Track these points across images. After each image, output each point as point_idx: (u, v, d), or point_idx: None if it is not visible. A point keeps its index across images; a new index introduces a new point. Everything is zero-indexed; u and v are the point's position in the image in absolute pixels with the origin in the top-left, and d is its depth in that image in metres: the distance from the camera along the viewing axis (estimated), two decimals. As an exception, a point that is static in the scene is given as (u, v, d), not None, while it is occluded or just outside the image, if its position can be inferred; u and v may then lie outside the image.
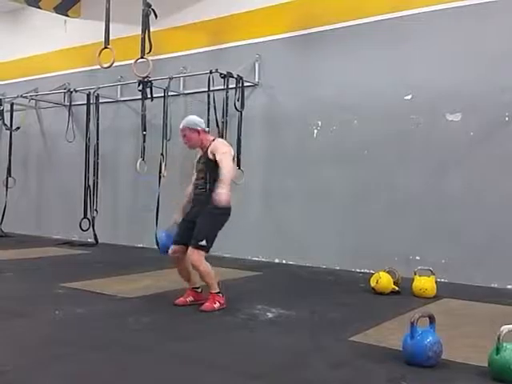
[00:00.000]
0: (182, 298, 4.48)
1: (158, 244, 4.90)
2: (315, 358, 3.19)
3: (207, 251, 4.26)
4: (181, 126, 4.48)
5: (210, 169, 4.32)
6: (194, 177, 4.53)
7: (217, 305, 4.29)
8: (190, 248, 4.22)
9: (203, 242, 4.20)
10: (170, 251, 4.42)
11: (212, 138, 4.50)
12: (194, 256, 4.20)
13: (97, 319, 4.01)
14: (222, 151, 4.28)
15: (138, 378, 2.81)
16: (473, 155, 5.85)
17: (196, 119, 4.48)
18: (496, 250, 5.66)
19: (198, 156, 4.56)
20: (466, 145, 5.89)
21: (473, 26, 5.90)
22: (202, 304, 4.32)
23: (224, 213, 4.28)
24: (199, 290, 4.54)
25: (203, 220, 4.26)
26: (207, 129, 4.51)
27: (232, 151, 4.46)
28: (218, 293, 4.34)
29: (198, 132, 4.42)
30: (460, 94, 5.89)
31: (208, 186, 4.30)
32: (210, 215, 4.24)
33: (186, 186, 4.67)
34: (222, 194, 4.01)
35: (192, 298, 4.48)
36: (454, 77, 5.93)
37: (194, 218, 4.36)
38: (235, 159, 4.81)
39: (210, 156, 4.32)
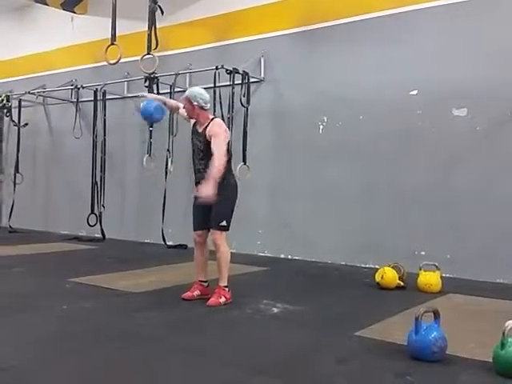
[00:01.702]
0: (189, 293, 4.51)
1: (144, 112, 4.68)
2: (321, 353, 3.21)
3: (228, 229, 4.41)
4: (183, 96, 4.53)
5: (208, 150, 4.33)
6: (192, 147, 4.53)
7: (222, 299, 4.33)
8: (212, 230, 4.36)
9: (223, 223, 4.34)
10: (194, 236, 4.53)
11: (211, 117, 4.51)
12: (216, 235, 4.35)
13: (104, 314, 4.05)
14: (218, 135, 4.31)
15: (146, 372, 2.84)
16: (479, 150, 5.84)
17: (197, 93, 4.45)
18: (502, 245, 5.65)
19: (195, 126, 4.53)
20: (472, 140, 5.88)
21: (479, 20, 5.87)
22: (209, 298, 4.35)
23: (233, 190, 4.45)
24: (206, 284, 4.57)
25: (218, 204, 4.26)
26: (207, 105, 4.46)
27: (228, 134, 4.53)
28: (226, 287, 4.39)
29: (193, 107, 4.42)
30: (466, 89, 5.87)
31: (209, 170, 4.27)
32: (223, 198, 4.26)
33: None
34: (205, 190, 4.08)
35: (199, 292, 4.51)
36: (459, 72, 5.92)
37: (202, 204, 4.32)
38: (231, 143, 4.76)
39: (208, 138, 4.35)
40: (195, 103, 4.40)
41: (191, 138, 4.54)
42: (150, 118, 4.75)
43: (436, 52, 6.08)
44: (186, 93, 4.48)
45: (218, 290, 4.37)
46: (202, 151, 4.40)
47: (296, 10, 7.16)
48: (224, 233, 4.39)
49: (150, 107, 4.56)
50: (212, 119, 4.48)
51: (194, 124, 4.55)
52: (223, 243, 4.37)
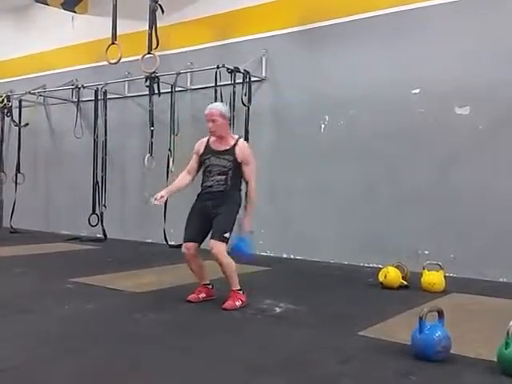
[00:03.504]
0: (194, 295, 4.44)
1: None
2: (324, 353, 3.19)
3: (227, 242, 4.26)
4: (211, 110, 4.31)
5: (234, 169, 4.29)
6: (202, 170, 4.41)
7: (239, 303, 4.22)
8: (213, 241, 4.19)
9: (227, 235, 4.22)
10: (183, 248, 4.35)
11: (237, 137, 4.44)
12: (219, 247, 4.16)
13: (106, 314, 4.04)
14: (251, 162, 4.33)
15: (146, 372, 2.82)
16: (482, 149, 5.81)
17: (227, 108, 4.42)
18: (505, 244, 5.62)
19: (209, 145, 4.39)
20: (475, 138, 5.86)
21: (481, 19, 5.84)
22: (224, 302, 4.23)
23: (238, 205, 4.37)
24: (210, 286, 4.53)
25: (224, 214, 4.24)
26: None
27: None
28: (240, 290, 4.30)
29: (227, 121, 4.36)
30: (469, 88, 5.84)
31: (228, 186, 4.29)
32: (229, 209, 4.25)
33: (182, 174, 4.55)
34: (250, 220, 4.27)
35: (204, 295, 4.46)
36: (462, 70, 5.89)
37: (205, 214, 4.32)
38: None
39: (239, 159, 4.28)
40: (227, 116, 4.37)
41: (203, 159, 4.37)
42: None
43: (438, 50, 6.05)
44: (218, 108, 4.32)
45: (234, 294, 4.26)
46: (226, 168, 4.28)
47: (298, 9, 7.13)
48: (225, 245, 4.21)
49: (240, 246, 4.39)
50: (238, 139, 4.39)
51: (207, 144, 4.40)
52: (225, 256, 4.19)
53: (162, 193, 4.36)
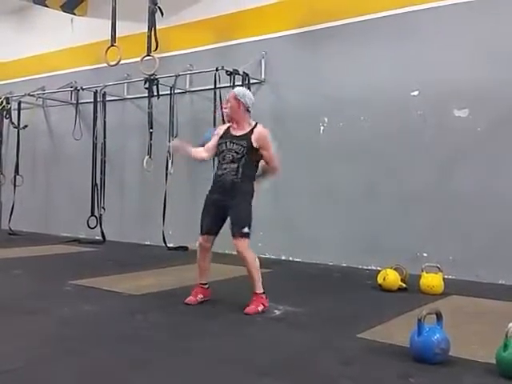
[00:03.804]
0: (191, 297, 4.41)
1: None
2: (323, 355, 3.19)
3: (249, 237, 4.19)
4: (229, 93, 4.41)
5: (248, 156, 4.20)
6: (217, 157, 4.37)
7: (261, 307, 4.14)
8: (235, 241, 4.14)
9: (246, 229, 4.15)
10: (200, 240, 4.34)
11: (254, 123, 4.34)
12: (242, 245, 4.12)
13: (105, 316, 4.04)
14: (269, 147, 4.27)
15: (146, 374, 2.82)
16: (481, 151, 5.82)
17: (246, 92, 4.40)
18: (504, 246, 5.63)
19: (228, 130, 4.35)
20: (474, 141, 5.86)
21: (480, 21, 5.86)
22: (247, 306, 4.15)
23: (252, 196, 4.28)
24: (206, 286, 4.51)
25: (239, 207, 4.18)
26: (251, 108, 4.33)
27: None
28: (263, 293, 4.22)
29: (239, 104, 4.28)
30: (467, 90, 5.85)
31: (239, 176, 4.19)
32: (243, 201, 4.20)
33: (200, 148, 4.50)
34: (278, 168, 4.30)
35: (202, 296, 4.45)
36: (461, 72, 5.90)
37: (218, 205, 4.26)
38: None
39: (255, 144, 4.21)
40: (242, 100, 4.27)
41: (220, 143, 4.31)
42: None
43: (437, 52, 6.06)
44: (232, 92, 4.38)
45: (257, 298, 4.17)
46: (239, 155, 4.20)
47: (297, 11, 7.14)
48: (248, 240, 4.16)
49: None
50: (256, 124, 4.33)
51: (227, 129, 4.38)
52: (249, 252, 4.14)
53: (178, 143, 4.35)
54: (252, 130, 4.26)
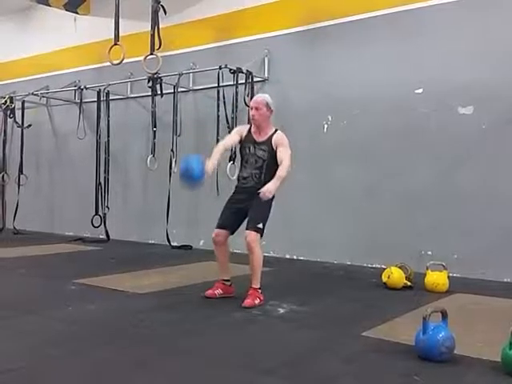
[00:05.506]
0: (210, 291, 4.48)
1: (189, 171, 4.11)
2: (327, 353, 3.18)
3: (262, 234, 4.31)
4: (258, 98, 4.47)
5: (270, 160, 4.34)
6: (240, 160, 4.50)
7: (257, 301, 4.28)
8: (247, 231, 4.25)
9: (260, 225, 4.25)
10: (213, 234, 4.43)
11: (274, 129, 4.48)
12: (252, 237, 4.22)
13: (109, 315, 4.03)
14: (286, 146, 4.35)
15: (149, 373, 2.82)
16: (485, 149, 5.80)
17: (271, 101, 4.47)
18: (508, 244, 5.60)
19: (250, 135, 4.46)
20: (479, 138, 5.84)
21: (485, 18, 5.83)
22: (244, 299, 4.27)
23: (272, 200, 4.33)
24: (229, 284, 4.54)
25: (260, 205, 4.24)
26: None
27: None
28: (259, 289, 4.35)
29: (271, 113, 4.42)
30: (472, 87, 5.83)
31: (261, 182, 4.29)
32: (266, 203, 4.25)
33: (219, 148, 4.46)
34: (272, 190, 4.12)
35: (221, 291, 4.49)
36: (465, 70, 5.88)
37: (239, 206, 4.39)
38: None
39: (274, 146, 4.34)
40: (272, 108, 4.42)
41: (243, 146, 4.48)
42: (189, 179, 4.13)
43: (442, 50, 6.04)
44: (264, 99, 4.43)
45: (253, 292, 4.31)
46: (262, 160, 4.37)
47: (300, 9, 7.12)
48: (259, 235, 4.28)
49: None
50: (276, 130, 4.46)
51: (249, 132, 4.48)
52: (257, 246, 4.27)
53: (210, 165, 4.19)
54: (273, 135, 4.40)
